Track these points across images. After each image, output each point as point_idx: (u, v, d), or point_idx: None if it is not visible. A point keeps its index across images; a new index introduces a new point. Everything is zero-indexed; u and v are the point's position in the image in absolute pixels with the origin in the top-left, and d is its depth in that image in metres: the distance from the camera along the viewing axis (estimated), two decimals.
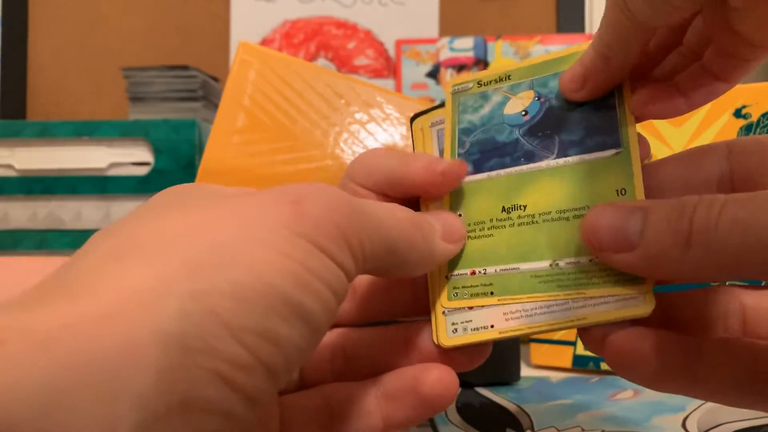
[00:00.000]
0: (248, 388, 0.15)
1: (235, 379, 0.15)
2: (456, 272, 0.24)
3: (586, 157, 0.24)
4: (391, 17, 1.01)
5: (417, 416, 0.22)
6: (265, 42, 1.02)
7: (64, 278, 0.15)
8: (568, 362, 0.48)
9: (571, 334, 0.48)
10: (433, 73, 0.92)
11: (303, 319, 0.16)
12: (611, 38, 0.22)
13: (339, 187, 0.27)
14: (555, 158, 0.24)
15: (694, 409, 0.36)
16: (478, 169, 0.26)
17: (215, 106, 0.89)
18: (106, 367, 0.13)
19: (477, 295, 0.24)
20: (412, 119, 0.29)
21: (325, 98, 0.47)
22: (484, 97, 0.27)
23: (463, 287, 0.24)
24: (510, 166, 0.25)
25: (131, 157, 0.67)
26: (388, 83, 0.99)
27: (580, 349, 0.48)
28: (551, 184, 0.24)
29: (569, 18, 1.03)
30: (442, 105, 0.29)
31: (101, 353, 0.13)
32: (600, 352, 0.21)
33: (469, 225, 0.25)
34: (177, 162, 0.66)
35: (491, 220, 0.25)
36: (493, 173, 0.25)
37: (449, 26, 1.01)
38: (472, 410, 0.37)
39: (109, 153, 0.67)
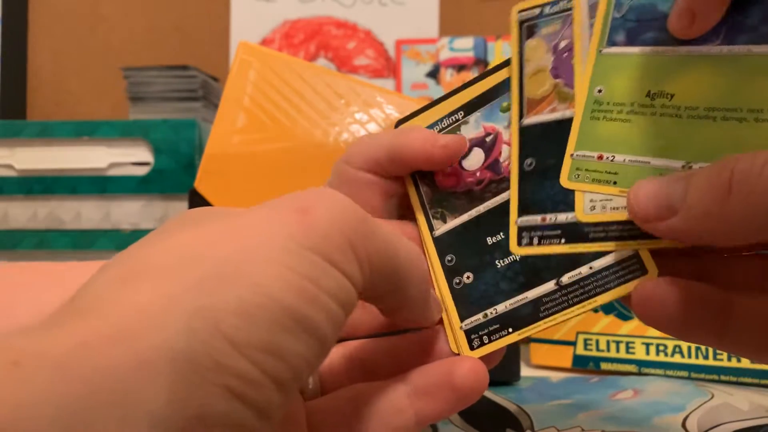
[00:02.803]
0: (259, 401, 0.15)
1: (245, 393, 0.15)
2: (581, 153, 0.23)
3: (756, 48, 0.21)
4: (391, 17, 1.01)
5: (450, 409, 0.22)
6: (265, 42, 1.02)
7: (75, 301, 0.15)
8: (568, 362, 0.48)
9: (571, 334, 0.48)
10: (433, 73, 0.92)
11: (309, 332, 0.16)
12: None
13: (334, 173, 0.28)
14: (719, 44, 0.21)
15: (694, 409, 0.36)
16: (631, 40, 0.23)
17: (215, 106, 0.89)
18: (119, 385, 0.13)
19: (599, 181, 0.22)
20: (397, 124, 0.29)
21: (325, 98, 0.47)
22: None
23: (586, 170, 0.23)
24: (666, 44, 0.22)
25: (131, 157, 0.67)
26: (388, 83, 0.99)
27: (580, 349, 0.48)
28: (707, 74, 0.21)
29: None
30: (426, 108, 0.28)
31: (114, 372, 0.13)
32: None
33: (608, 104, 0.23)
34: (177, 162, 0.66)
35: (632, 104, 0.22)
36: (647, 49, 0.23)
37: (449, 26, 1.01)
38: (472, 410, 0.37)
39: (109, 153, 0.67)
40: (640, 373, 0.45)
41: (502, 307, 0.23)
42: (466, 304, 0.24)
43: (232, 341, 0.15)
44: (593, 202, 0.22)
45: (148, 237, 0.18)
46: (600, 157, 0.23)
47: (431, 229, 0.26)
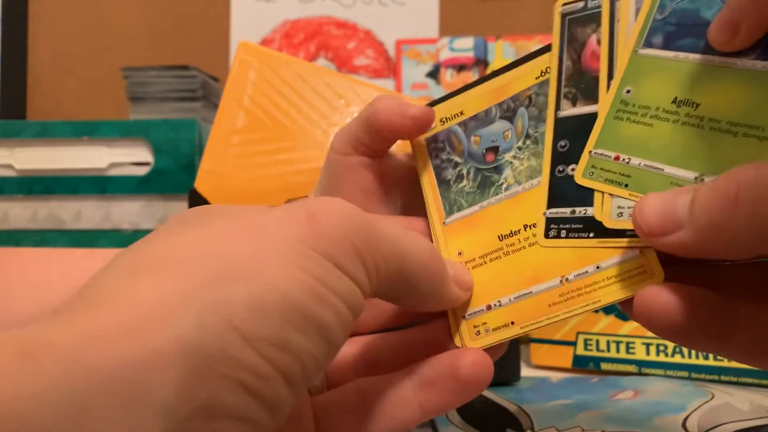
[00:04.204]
0: (268, 396, 0.16)
1: (255, 387, 0.15)
2: (599, 151, 0.23)
3: None
4: (391, 17, 1.01)
5: (455, 401, 0.22)
6: (265, 42, 1.02)
7: (86, 293, 0.16)
8: (568, 362, 0.48)
9: (571, 334, 0.48)
10: (433, 73, 0.92)
11: (318, 331, 0.17)
12: None
13: (325, 166, 0.28)
14: (754, 59, 0.21)
15: (695, 410, 0.36)
16: (667, 44, 0.23)
17: (215, 106, 0.89)
18: (130, 376, 0.13)
19: (611, 181, 0.22)
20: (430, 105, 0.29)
21: (325, 98, 0.47)
22: None
23: (601, 169, 0.23)
24: (701, 52, 0.22)
25: (131, 157, 0.67)
26: (388, 83, 0.99)
27: (581, 349, 0.48)
28: (736, 88, 0.21)
29: None
30: (461, 91, 0.28)
31: (125, 363, 0.13)
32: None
33: (634, 106, 0.23)
34: (177, 162, 0.66)
35: (657, 109, 0.22)
36: (681, 55, 0.22)
37: (449, 26, 1.01)
38: (472, 410, 0.37)
39: (109, 153, 0.67)
40: (640, 374, 0.45)
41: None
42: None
43: (243, 335, 0.15)
44: (621, 209, 0.22)
45: (156, 233, 0.18)
46: (617, 158, 0.23)
47: (557, 107, 0.25)
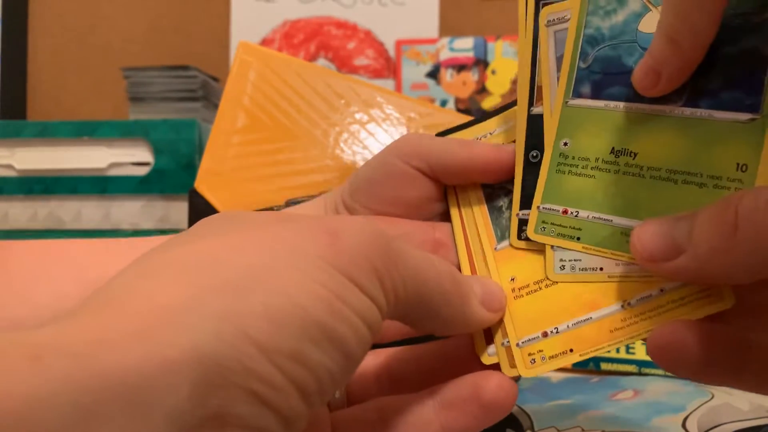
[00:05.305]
0: (282, 407, 0.15)
1: (268, 397, 0.15)
2: (547, 206, 0.23)
3: (717, 114, 0.21)
4: (391, 17, 1.01)
5: (477, 424, 0.22)
6: (265, 42, 1.02)
7: (97, 295, 0.16)
8: None
9: None
10: (433, 74, 0.92)
11: (335, 346, 0.16)
12: (675, 19, 0.20)
13: (379, 162, 0.27)
14: (681, 106, 0.21)
15: (694, 409, 0.36)
16: (596, 93, 0.23)
17: (215, 106, 0.89)
18: (139, 381, 0.13)
19: (563, 236, 0.23)
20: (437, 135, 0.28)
21: (325, 98, 0.47)
22: None
23: (552, 224, 0.23)
24: (631, 101, 0.22)
25: (131, 157, 0.67)
26: (388, 83, 0.99)
27: None
28: (669, 135, 0.21)
29: None
30: (470, 124, 0.27)
31: (133, 368, 0.13)
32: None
33: (574, 158, 0.23)
34: (177, 162, 0.66)
35: (597, 160, 0.23)
36: (611, 104, 0.23)
37: (449, 26, 1.01)
38: None
39: (109, 153, 0.67)
40: (640, 373, 0.45)
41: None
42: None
43: (259, 346, 0.15)
44: (563, 262, 0.22)
45: (173, 239, 0.18)
46: (565, 212, 0.23)
47: (531, 103, 0.25)
